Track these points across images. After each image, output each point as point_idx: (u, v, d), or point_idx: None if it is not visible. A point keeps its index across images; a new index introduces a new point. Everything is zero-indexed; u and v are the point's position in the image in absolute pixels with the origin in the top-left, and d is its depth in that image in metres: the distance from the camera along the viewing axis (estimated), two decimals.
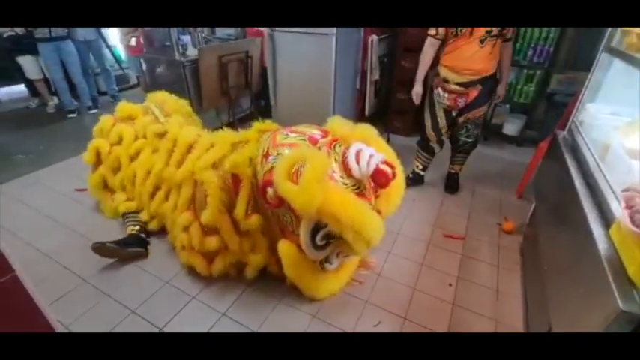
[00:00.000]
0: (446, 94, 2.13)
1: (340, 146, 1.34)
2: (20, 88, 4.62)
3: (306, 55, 2.70)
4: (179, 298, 1.63)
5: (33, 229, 2.06)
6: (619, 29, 1.33)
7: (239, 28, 3.65)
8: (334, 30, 2.48)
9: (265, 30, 2.79)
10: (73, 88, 3.93)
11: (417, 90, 2.26)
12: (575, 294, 1.00)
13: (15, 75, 4.34)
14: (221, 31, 3.87)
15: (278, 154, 1.33)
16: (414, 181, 2.58)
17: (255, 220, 1.50)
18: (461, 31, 1.93)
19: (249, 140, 1.62)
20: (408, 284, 1.75)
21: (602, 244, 0.92)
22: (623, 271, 0.82)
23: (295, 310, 1.58)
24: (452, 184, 2.55)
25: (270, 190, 1.29)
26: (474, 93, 2.07)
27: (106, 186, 2.14)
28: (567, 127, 1.64)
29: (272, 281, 1.68)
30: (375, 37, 2.84)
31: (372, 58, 2.92)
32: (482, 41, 1.92)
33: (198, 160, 1.63)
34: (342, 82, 2.82)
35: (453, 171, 2.52)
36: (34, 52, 3.64)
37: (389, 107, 3.42)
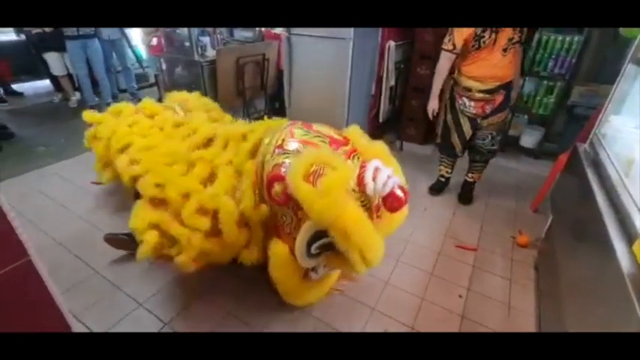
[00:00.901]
0: (472, 103, 2.13)
1: (358, 158, 1.30)
2: (45, 83, 4.80)
3: (322, 59, 2.70)
4: (185, 292, 1.64)
5: (49, 218, 2.11)
6: None
7: (257, 31, 3.70)
8: (352, 34, 2.48)
9: (283, 33, 2.81)
10: (95, 84, 4.05)
11: (433, 105, 2.24)
12: (594, 313, 0.95)
13: (40, 70, 4.52)
14: (239, 34, 3.93)
15: (295, 150, 1.29)
16: (443, 184, 2.59)
17: (264, 209, 1.40)
18: (484, 42, 1.93)
19: (254, 130, 1.56)
20: (417, 294, 1.71)
21: (624, 262, 0.88)
22: None
23: (301, 314, 1.57)
24: (467, 194, 2.50)
25: (277, 186, 1.24)
26: (499, 98, 2.09)
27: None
28: (589, 140, 1.59)
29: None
30: (392, 43, 2.84)
31: (389, 64, 2.91)
32: (505, 50, 1.93)
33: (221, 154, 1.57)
34: (358, 87, 2.81)
35: (470, 179, 2.46)
36: (59, 49, 3.78)
37: (402, 114, 3.40)
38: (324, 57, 2.69)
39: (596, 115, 1.62)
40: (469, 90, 2.10)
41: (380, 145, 1.38)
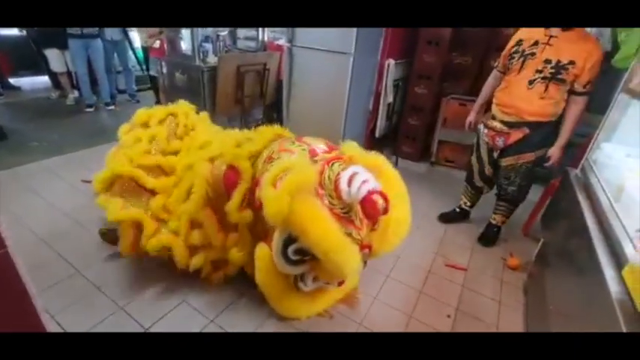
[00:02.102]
0: (485, 131, 1.99)
1: (339, 165, 1.28)
2: (43, 79, 4.78)
3: (322, 72, 2.74)
4: (169, 299, 1.59)
5: (35, 214, 2.06)
6: (639, 71, 1.33)
7: (259, 41, 3.75)
8: (352, 50, 2.52)
9: (285, 44, 2.85)
10: (94, 83, 4.04)
11: (469, 117, 2.19)
12: None
13: (40, 66, 4.50)
14: (242, 43, 3.98)
15: (278, 158, 1.34)
16: (461, 216, 2.45)
17: (247, 214, 1.46)
18: (512, 65, 1.82)
19: (253, 140, 1.61)
20: (404, 311, 1.68)
21: (613, 287, 0.88)
22: (636, 315, 0.78)
23: (284, 325, 1.53)
24: (487, 235, 2.26)
25: (257, 192, 1.29)
26: (516, 135, 1.86)
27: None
28: (580, 166, 1.62)
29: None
30: (392, 61, 2.89)
31: (387, 81, 2.96)
32: (531, 82, 1.74)
33: (198, 152, 1.65)
34: (355, 102, 2.84)
35: (493, 221, 2.23)
36: (60, 46, 3.78)
37: (399, 131, 3.43)
38: (324, 70, 2.73)
39: (588, 142, 1.66)
40: (493, 117, 1.95)
41: (376, 155, 1.37)
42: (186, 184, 1.62)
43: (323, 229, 1.12)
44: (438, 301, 1.76)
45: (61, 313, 1.46)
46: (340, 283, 1.47)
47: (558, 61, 1.67)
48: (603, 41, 2.38)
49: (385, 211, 1.16)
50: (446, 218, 2.47)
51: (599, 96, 2.97)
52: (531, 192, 2.11)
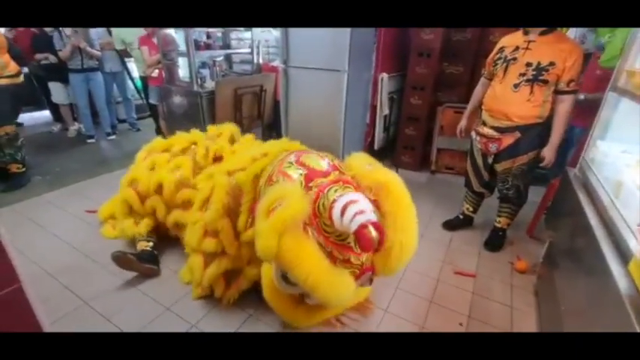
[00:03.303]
0: (477, 138, 2.02)
1: (335, 191, 1.22)
2: (44, 114, 4.88)
3: (318, 90, 2.80)
4: (179, 325, 1.58)
5: (40, 247, 2.07)
6: (625, 70, 1.36)
7: (255, 64, 3.85)
8: (346, 66, 2.59)
9: (280, 65, 2.93)
10: (95, 115, 4.12)
11: (460, 124, 2.24)
12: None
13: (40, 101, 4.61)
14: (238, 66, 4.08)
15: (277, 181, 1.34)
16: (465, 222, 2.45)
17: (251, 234, 1.48)
18: (496, 70, 1.88)
19: (268, 154, 1.65)
20: (416, 322, 1.66)
21: (622, 283, 0.88)
22: None
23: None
24: (493, 240, 2.24)
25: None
26: (508, 140, 1.88)
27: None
28: (579, 165, 1.64)
29: (270, 311, 1.63)
30: (385, 75, 2.96)
31: (382, 94, 3.02)
32: (515, 85, 1.78)
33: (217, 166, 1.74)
34: (352, 116, 2.89)
35: (498, 224, 2.23)
36: (63, 80, 3.88)
37: (397, 142, 3.48)
38: (319, 88, 2.79)
39: (584, 141, 1.68)
40: (484, 123, 1.99)
41: (386, 171, 1.35)
42: (203, 194, 1.69)
43: (309, 267, 1.09)
44: (449, 310, 1.75)
45: None
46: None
47: (539, 63, 1.73)
48: (588, 43, 2.45)
49: (380, 243, 1.11)
50: (450, 225, 2.47)
51: None
52: (533, 193, 2.12)
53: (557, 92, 1.76)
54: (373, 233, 1.06)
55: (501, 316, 1.72)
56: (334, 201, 1.15)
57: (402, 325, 1.65)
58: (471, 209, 2.41)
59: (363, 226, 1.05)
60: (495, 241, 2.25)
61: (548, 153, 1.85)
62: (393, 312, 1.72)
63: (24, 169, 2.92)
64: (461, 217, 2.47)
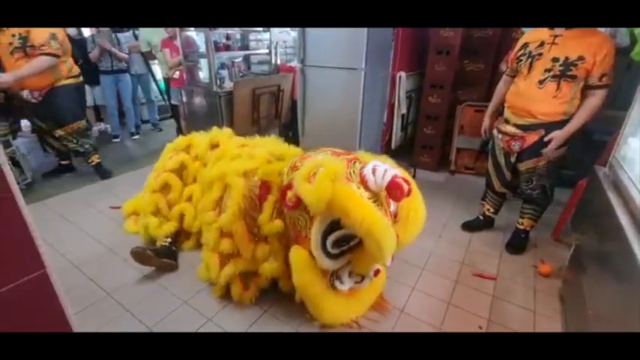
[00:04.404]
0: (500, 136, 1.97)
1: (359, 163, 1.40)
2: None
3: (335, 89, 2.80)
4: (196, 318, 1.61)
5: (67, 241, 2.16)
6: None
7: (272, 65, 3.89)
8: (363, 65, 2.57)
9: (297, 65, 2.95)
10: (120, 115, 4.29)
11: (484, 124, 2.16)
12: None
13: None
14: (256, 67, 4.14)
15: (302, 165, 1.44)
16: (485, 223, 2.37)
17: (277, 224, 1.54)
18: (520, 67, 1.82)
19: (285, 158, 1.73)
20: (433, 324, 1.63)
21: None
22: None
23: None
24: (515, 242, 2.16)
25: (289, 192, 1.38)
26: (532, 138, 1.82)
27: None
28: (608, 163, 1.55)
29: (284, 308, 1.65)
30: (403, 74, 2.92)
31: (400, 93, 2.98)
32: (540, 82, 1.72)
33: (230, 164, 1.74)
34: (369, 116, 2.87)
35: (520, 226, 2.16)
36: (91, 83, 4.05)
37: (415, 141, 3.42)
38: (336, 87, 2.79)
39: (614, 140, 1.60)
40: (507, 122, 1.93)
41: (391, 161, 1.46)
42: (215, 194, 1.72)
43: (364, 208, 1.21)
44: (467, 312, 1.69)
45: None
46: (376, 273, 1.48)
47: (566, 58, 1.65)
48: (620, 37, 2.33)
49: (409, 192, 1.28)
50: (469, 227, 2.40)
51: (622, 93, 2.88)
52: (560, 194, 2.03)
53: (589, 87, 1.68)
54: (404, 183, 1.25)
55: (523, 320, 1.66)
56: (363, 167, 1.34)
57: (418, 326, 1.61)
58: (492, 210, 2.34)
59: (395, 177, 1.24)
60: (517, 243, 2.16)
61: (558, 135, 1.75)
62: (409, 312, 1.68)
63: (100, 160, 3.17)
64: (481, 218, 2.40)
